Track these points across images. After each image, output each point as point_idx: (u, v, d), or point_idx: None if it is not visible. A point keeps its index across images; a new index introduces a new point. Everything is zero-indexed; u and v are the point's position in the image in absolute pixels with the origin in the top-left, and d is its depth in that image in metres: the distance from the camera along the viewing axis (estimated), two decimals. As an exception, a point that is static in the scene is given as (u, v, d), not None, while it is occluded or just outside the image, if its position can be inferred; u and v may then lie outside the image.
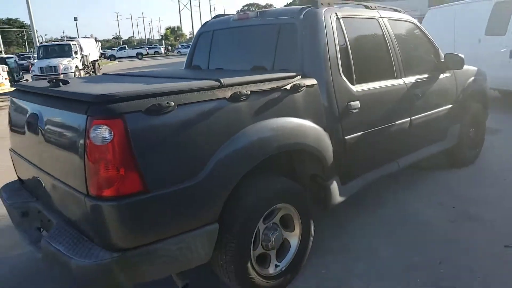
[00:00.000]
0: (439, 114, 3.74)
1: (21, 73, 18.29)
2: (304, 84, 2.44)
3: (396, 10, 3.61)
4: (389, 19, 3.30)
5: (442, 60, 3.78)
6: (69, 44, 18.91)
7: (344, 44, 2.79)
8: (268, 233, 2.38)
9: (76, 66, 18.54)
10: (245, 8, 76.22)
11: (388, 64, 3.18)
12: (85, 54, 20.67)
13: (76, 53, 19.11)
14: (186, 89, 1.94)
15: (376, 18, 3.19)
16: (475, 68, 4.53)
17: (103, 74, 3.57)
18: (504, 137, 5.53)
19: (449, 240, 2.95)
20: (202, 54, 3.47)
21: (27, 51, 50.06)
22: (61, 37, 59.06)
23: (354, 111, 2.75)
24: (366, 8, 3.24)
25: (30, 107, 2.32)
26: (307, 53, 2.63)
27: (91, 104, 1.74)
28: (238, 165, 2.06)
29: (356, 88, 2.80)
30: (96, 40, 27.35)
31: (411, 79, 3.34)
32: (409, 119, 3.30)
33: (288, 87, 2.36)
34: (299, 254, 2.55)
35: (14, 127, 2.62)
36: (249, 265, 2.24)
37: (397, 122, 3.17)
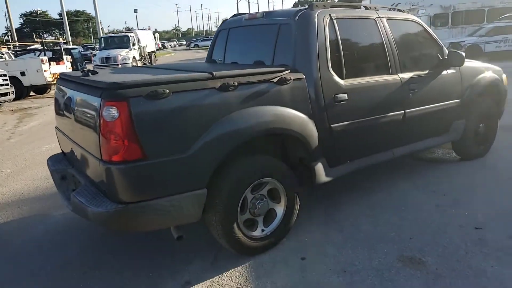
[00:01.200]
0: (440, 108, 3.95)
1: (84, 62, 19.89)
2: (291, 77, 2.84)
3: (399, 10, 3.87)
4: (388, 19, 3.59)
5: (446, 57, 3.97)
6: (128, 36, 20.24)
7: (336, 43, 3.15)
8: (255, 202, 2.84)
9: (134, 57, 19.85)
10: (297, 2, 75.74)
11: (382, 61, 3.48)
12: (142, 46, 21.99)
13: (133, 44, 20.43)
14: (181, 79, 2.43)
15: (374, 18, 3.49)
16: (489, 66, 4.64)
17: (129, 67, 4.17)
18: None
19: (429, 221, 3.23)
20: (220, 49, 3.97)
21: (92, 41, 53.46)
22: (124, 28, 62.45)
23: (341, 102, 3.11)
24: (366, 9, 3.55)
25: (67, 92, 2.93)
26: (298, 50, 3.03)
27: (104, 90, 2.28)
28: (223, 144, 2.51)
29: (345, 82, 3.15)
30: (154, 32, 28.82)
31: (407, 75, 3.61)
32: (403, 111, 3.57)
33: (275, 80, 2.77)
34: (284, 223, 2.98)
35: (57, 108, 3.26)
36: (235, 226, 2.70)
37: (389, 114, 3.46)
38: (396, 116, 3.53)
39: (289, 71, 2.88)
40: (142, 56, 21.66)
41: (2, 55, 18.29)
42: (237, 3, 71.06)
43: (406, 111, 3.60)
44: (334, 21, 3.17)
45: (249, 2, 67.53)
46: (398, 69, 3.56)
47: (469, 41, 16.30)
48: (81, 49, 24.02)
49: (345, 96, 3.12)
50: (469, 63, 4.36)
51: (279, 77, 2.78)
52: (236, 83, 2.58)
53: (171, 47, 64.50)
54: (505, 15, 18.02)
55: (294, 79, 2.87)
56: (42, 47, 16.30)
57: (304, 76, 2.93)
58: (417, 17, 13.86)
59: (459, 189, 3.82)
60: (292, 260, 2.81)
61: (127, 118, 2.23)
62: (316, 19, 3.07)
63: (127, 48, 19.40)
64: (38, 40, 22.93)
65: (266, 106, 2.72)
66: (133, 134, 2.25)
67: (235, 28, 3.81)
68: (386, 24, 3.55)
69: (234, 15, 4.05)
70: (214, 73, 2.54)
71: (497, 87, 4.63)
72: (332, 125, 3.09)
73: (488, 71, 4.54)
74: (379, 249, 2.88)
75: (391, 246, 2.91)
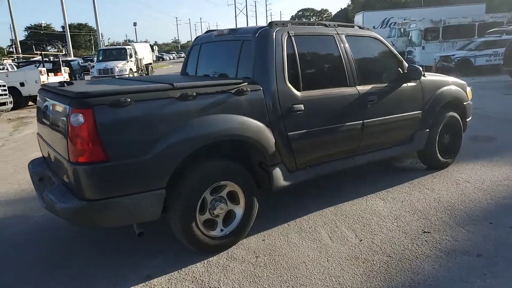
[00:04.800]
0: (401, 119, 4.20)
1: (82, 74, 20.29)
2: (247, 89, 3.10)
3: (360, 28, 4.15)
4: (346, 35, 3.86)
5: (406, 71, 4.24)
6: (125, 48, 20.68)
7: (293, 58, 3.41)
8: (214, 203, 3.07)
9: (130, 69, 20.24)
10: (300, 13, 76.82)
11: (340, 74, 3.74)
12: (139, 58, 22.41)
13: (130, 56, 20.84)
14: (142, 90, 2.69)
15: (332, 35, 3.76)
16: (453, 79, 4.91)
17: (105, 78, 4.45)
18: (496, 146, 5.75)
19: (379, 227, 3.45)
20: (193, 63, 4.25)
21: (92, 54, 54.21)
22: (124, 41, 63.39)
23: (298, 112, 3.36)
24: (325, 26, 3.83)
25: (46, 101, 3.19)
26: (257, 65, 3.30)
27: (72, 99, 2.54)
28: (181, 149, 2.75)
29: (302, 93, 3.40)
30: (152, 45, 29.34)
31: (366, 87, 3.87)
32: (361, 121, 3.82)
33: (233, 91, 3.03)
34: (243, 223, 3.21)
35: (38, 116, 3.52)
36: (193, 225, 2.93)
37: (346, 124, 3.70)
38: (354, 126, 3.78)
39: (246, 83, 3.14)
40: (139, 68, 22.07)
41: (4, 66, 18.69)
42: (235, 17, 72.04)
43: (364, 121, 3.85)
44: (292, 38, 3.44)
45: (247, 16, 68.58)
46: (357, 82, 3.82)
47: (459, 55, 16.61)
48: (80, 60, 24.47)
49: (301, 106, 3.37)
50: (431, 77, 4.63)
51: (236, 89, 3.04)
52: (195, 94, 2.83)
53: (169, 59, 65.27)
54: (493, 29, 18.39)
55: (251, 91, 3.13)
56: (41, 59, 16.65)
57: (261, 88, 3.19)
58: (409, 30, 14.36)
59: (418, 197, 4.05)
60: (248, 258, 3.04)
61: (92, 124, 2.48)
62: (274, 37, 3.34)
63: (124, 60, 19.81)
64: (38, 52, 23.37)
65: (223, 114, 2.97)
66: (96, 138, 2.49)
67: (206, 43, 4.09)
68: (345, 40, 3.82)
69: (206, 32, 4.34)
70: (175, 84, 2.80)
71: (460, 99, 4.88)
72: (289, 133, 3.34)
73: (451, 84, 4.80)
74: (333, 250, 3.10)
75: (345, 248, 3.13)
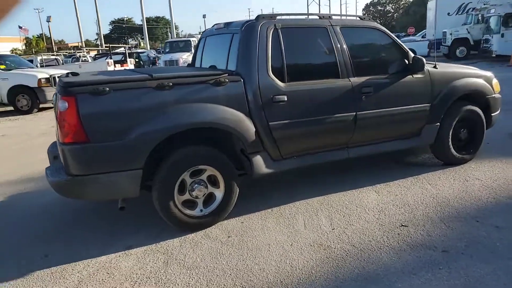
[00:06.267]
0: (403, 112, 4.11)
1: (151, 65, 21.67)
2: (226, 80, 3.29)
3: (360, 18, 4.12)
4: (342, 27, 3.87)
5: (411, 63, 4.13)
6: (190, 40, 21.62)
7: (279, 50, 3.53)
8: (194, 185, 3.34)
9: (195, 60, 21.17)
10: (375, 0, 73.66)
11: (331, 66, 3.78)
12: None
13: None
14: (122, 80, 3.02)
15: (325, 26, 3.80)
16: (474, 71, 4.65)
17: (109, 71, 4.87)
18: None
19: (360, 205, 3.48)
20: (199, 56, 4.53)
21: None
22: (198, 33, 65.84)
23: (280, 103, 3.49)
24: (319, 18, 3.87)
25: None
26: (241, 57, 3.48)
27: (60, 88, 2.94)
28: (156, 135, 3.03)
29: (286, 85, 3.52)
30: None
31: (361, 79, 3.86)
32: (353, 113, 3.83)
33: (211, 82, 3.25)
34: (222, 206, 3.44)
35: (53, 104, 4.03)
36: (171, 204, 3.22)
37: (335, 115, 3.74)
38: (345, 117, 3.80)
39: (227, 74, 3.34)
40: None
41: (85, 58, 20.65)
42: (307, 6, 70.88)
43: (358, 113, 3.85)
44: (279, 30, 3.56)
45: (319, 5, 67.11)
46: (351, 74, 3.82)
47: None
48: (150, 53, 26.19)
49: (284, 97, 3.49)
50: (444, 69, 4.44)
51: (214, 79, 3.26)
52: (171, 84, 3.10)
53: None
54: None
55: (230, 81, 3.32)
56: (109, 52, 18.12)
57: (241, 79, 3.37)
58: (487, 16, 13.24)
59: (415, 192, 3.97)
60: (220, 237, 3.27)
61: (74, 110, 2.86)
62: (258, 29, 3.49)
63: (189, 51, 20.73)
64: (106, 45, 25.37)
65: (200, 103, 3.21)
66: (78, 122, 2.87)
67: (209, 36, 4.35)
68: (339, 32, 3.84)
69: (213, 25, 4.58)
70: (154, 75, 3.10)
71: (481, 92, 4.62)
72: (271, 123, 3.48)
73: (471, 77, 4.56)
74: (302, 236, 3.23)
75: (315, 235, 3.23)
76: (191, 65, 4.75)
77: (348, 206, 3.70)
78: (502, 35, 18.09)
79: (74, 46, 32.25)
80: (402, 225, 3.28)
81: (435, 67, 4.35)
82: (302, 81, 3.63)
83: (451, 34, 20.81)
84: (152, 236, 3.35)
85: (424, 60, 4.05)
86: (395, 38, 4.18)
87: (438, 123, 4.37)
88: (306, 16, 3.96)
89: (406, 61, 4.15)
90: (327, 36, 3.79)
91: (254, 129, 3.42)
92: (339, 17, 4.01)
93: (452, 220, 3.32)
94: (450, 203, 3.63)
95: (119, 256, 3.07)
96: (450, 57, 20.53)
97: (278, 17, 3.68)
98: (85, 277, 2.79)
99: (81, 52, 21.18)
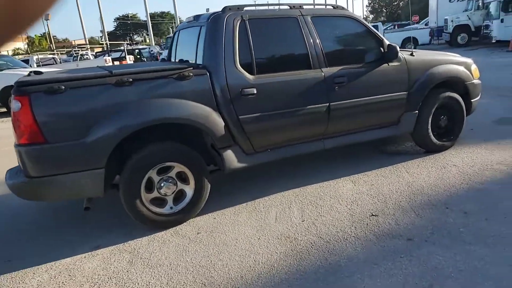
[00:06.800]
0: (379, 101, 4.05)
1: (152, 61, 21.65)
2: (190, 74, 3.24)
3: (333, 7, 4.05)
4: (313, 16, 3.80)
5: (386, 51, 4.05)
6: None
7: (246, 42, 3.48)
8: (162, 183, 3.30)
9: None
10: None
11: (302, 57, 3.72)
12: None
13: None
14: (78, 77, 2.98)
15: (295, 16, 3.74)
16: (452, 58, 4.57)
17: (77, 68, 4.83)
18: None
19: (335, 195, 3.44)
20: (173, 49, 4.48)
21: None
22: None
23: (249, 96, 3.44)
24: (289, 8, 3.80)
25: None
26: (207, 50, 3.44)
27: (15, 87, 2.90)
28: (117, 132, 2.99)
29: (255, 77, 3.47)
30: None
31: (333, 69, 3.80)
32: (326, 104, 3.77)
33: (174, 76, 3.21)
34: (193, 203, 3.41)
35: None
36: (138, 202, 3.20)
37: (308, 106, 3.69)
38: (317, 109, 3.75)
39: (191, 68, 3.29)
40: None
41: (87, 56, 20.70)
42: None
43: (331, 104, 3.79)
44: (246, 22, 3.50)
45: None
46: (323, 64, 3.76)
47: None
48: (155, 48, 26.35)
49: (253, 90, 3.44)
50: (421, 56, 4.37)
51: (177, 74, 3.21)
52: (131, 80, 3.06)
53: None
54: None
55: (195, 75, 3.28)
56: (107, 49, 18.12)
57: (207, 73, 3.32)
58: (487, 2, 13.05)
59: (391, 181, 3.92)
60: (189, 234, 3.25)
61: (28, 109, 2.82)
62: (225, 21, 3.43)
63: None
64: (103, 42, 25.40)
65: (164, 99, 3.17)
66: (33, 122, 2.83)
67: (182, 30, 4.30)
68: (310, 21, 3.77)
69: (187, 18, 4.53)
70: (113, 71, 3.06)
71: (460, 79, 4.53)
72: (240, 117, 3.43)
73: (448, 63, 4.47)
74: (271, 229, 3.20)
75: (284, 227, 3.20)
76: (168, 59, 4.70)
77: (322, 197, 3.66)
78: (502, 21, 17.83)
79: (78, 44, 32.41)
80: (373, 215, 3.25)
81: (411, 54, 4.28)
82: (272, 73, 3.58)
83: (452, 21, 20.59)
84: (122, 235, 3.33)
85: (397, 47, 3.98)
86: (370, 26, 4.11)
87: (417, 111, 4.31)
88: (278, 7, 3.87)
89: (382, 50, 4.07)
90: (298, 26, 3.72)
91: (223, 124, 3.38)
92: (311, 7, 3.93)
93: (422, 208, 3.27)
94: (423, 191, 3.58)
95: (85, 257, 3.06)
96: (452, 44, 20.32)
97: (245, 8, 3.61)
98: (45, 281, 2.77)
99: (79, 50, 21.17)
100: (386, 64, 4.06)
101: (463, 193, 3.47)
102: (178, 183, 3.38)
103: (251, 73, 3.48)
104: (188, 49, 4.05)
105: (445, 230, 2.89)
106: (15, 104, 2.85)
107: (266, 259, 2.77)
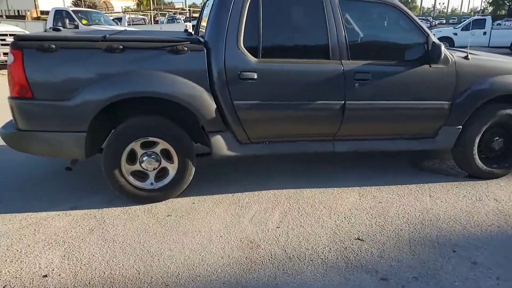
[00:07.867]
0: (412, 107, 3.46)
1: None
2: (185, 48, 3.02)
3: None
4: (341, 0, 3.30)
5: (430, 49, 3.41)
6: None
7: (256, 21, 3.13)
8: (144, 157, 3.19)
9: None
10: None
11: (319, 44, 3.27)
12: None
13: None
14: (72, 38, 2.93)
15: (321, -1, 3.27)
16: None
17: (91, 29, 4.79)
18: None
19: (329, 207, 3.05)
20: (198, 22, 4.28)
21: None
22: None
23: (248, 80, 3.13)
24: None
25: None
26: (210, 24, 3.17)
27: (13, 41, 2.94)
28: (97, 100, 2.90)
29: (258, 61, 3.14)
30: None
31: (356, 63, 3.30)
32: (342, 102, 3.31)
33: (168, 48, 3.01)
34: (174, 182, 3.26)
35: None
36: (116, 171, 3.13)
37: (317, 102, 3.26)
38: (329, 105, 3.30)
39: (189, 42, 3.06)
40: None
41: (178, 21, 21.67)
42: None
43: (347, 102, 3.32)
44: (259, 0, 3.15)
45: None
46: (344, 56, 3.28)
47: None
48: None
49: (253, 75, 3.12)
50: (478, 61, 3.63)
51: (171, 46, 3.01)
52: (121, 47, 2.93)
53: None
54: None
55: (191, 50, 3.05)
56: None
57: (204, 49, 3.07)
58: None
59: (405, 203, 3.37)
60: (160, 214, 3.11)
61: (20, 64, 2.85)
62: (233, -2, 3.12)
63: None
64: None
65: (152, 71, 2.99)
66: (23, 76, 2.87)
67: (206, 2, 4.06)
68: (337, 6, 3.28)
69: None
70: (107, 36, 2.96)
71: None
72: (235, 102, 3.15)
73: (507, 71, 3.66)
74: (239, 228, 2.93)
75: (254, 230, 2.92)
76: (195, 33, 4.52)
77: (314, 205, 3.27)
78: None
79: (177, 8, 34.26)
80: (358, 239, 2.80)
81: (466, 57, 3.57)
82: (280, 59, 3.21)
83: None
84: (105, 202, 3.30)
85: (442, 47, 3.32)
86: (415, 18, 3.46)
87: (460, 126, 3.62)
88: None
89: (425, 48, 3.44)
90: (321, 8, 3.26)
91: (214, 107, 3.13)
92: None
93: (422, 244, 2.73)
94: (436, 223, 3.01)
95: (58, 215, 3.08)
96: None
97: None
98: (10, 230, 2.84)
99: (174, 15, 22.22)
100: (427, 66, 3.43)
101: (486, 237, 2.83)
102: (162, 160, 3.23)
103: (255, 55, 3.15)
104: (206, 23, 3.82)
105: (434, 279, 2.36)
106: (10, 57, 2.89)
107: (213, 261, 2.52)
